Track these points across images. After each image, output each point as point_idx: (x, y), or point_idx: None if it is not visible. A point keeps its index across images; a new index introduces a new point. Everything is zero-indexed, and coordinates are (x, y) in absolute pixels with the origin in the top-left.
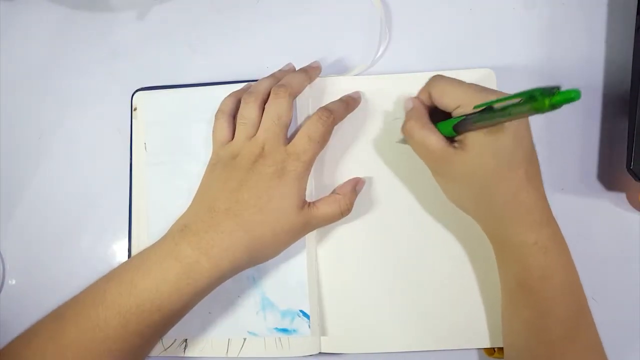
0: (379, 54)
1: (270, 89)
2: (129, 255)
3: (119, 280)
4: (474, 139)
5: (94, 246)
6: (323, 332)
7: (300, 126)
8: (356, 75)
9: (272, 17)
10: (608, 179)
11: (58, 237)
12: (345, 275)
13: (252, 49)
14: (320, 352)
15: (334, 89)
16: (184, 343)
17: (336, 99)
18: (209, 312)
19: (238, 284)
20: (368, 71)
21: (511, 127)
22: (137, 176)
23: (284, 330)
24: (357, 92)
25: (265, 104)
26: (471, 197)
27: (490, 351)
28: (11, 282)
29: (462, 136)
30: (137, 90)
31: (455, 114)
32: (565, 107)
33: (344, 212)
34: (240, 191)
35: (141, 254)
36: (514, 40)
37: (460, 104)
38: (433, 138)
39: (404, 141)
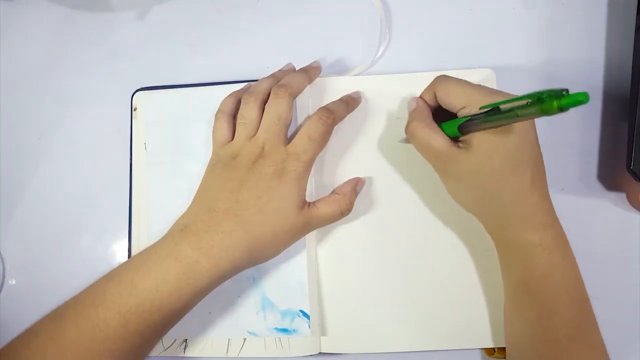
0: (379, 54)
1: (270, 89)
2: (129, 255)
3: (119, 280)
4: (480, 139)
5: (94, 246)
6: (323, 332)
7: (300, 126)
8: (356, 75)
9: (272, 17)
10: (608, 179)
11: (58, 237)
12: (345, 275)
13: (252, 49)
14: (320, 352)
15: (334, 89)
16: (184, 343)
17: (336, 99)
18: (209, 312)
19: (238, 284)
20: (368, 71)
21: (517, 128)
22: (137, 176)
23: (284, 330)
24: (357, 92)
25: (265, 104)
26: (475, 197)
27: (490, 351)
28: (11, 282)
29: (467, 136)
30: (137, 90)
31: (460, 114)
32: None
33: (344, 212)
34: (240, 191)
35: (141, 254)
36: (514, 40)
37: (466, 104)
38: (437, 138)
39: (406, 141)
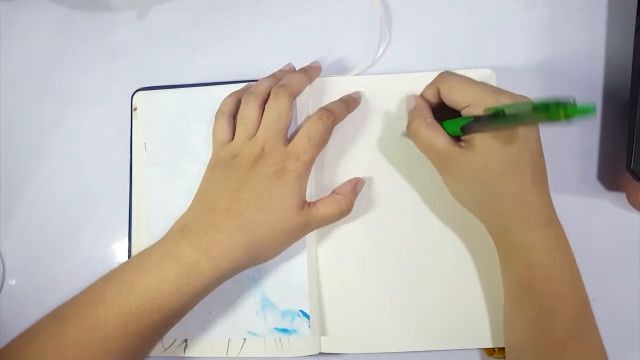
0: (379, 54)
1: (270, 89)
2: (129, 255)
3: (119, 280)
4: (481, 139)
5: (94, 246)
6: (323, 332)
7: (300, 126)
8: (356, 75)
9: (272, 17)
10: (608, 179)
11: (58, 237)
12: (345, 275)
13: (252, 49)
14: (320, 352)
15: (334, 89)
16: (184, 343)
17: (336, 99)
18: (209, 312)
19: (238, 284)
20: (368, 71)
21: (520, 129)
22: (137, 176)
23: (284, 330)
24: (357, 92)
25: (265, 104)
26: (476, 197)
27: (490, 351)
28: (11, 282)
29: (470, 136)
30: (137, 90)
31: (464, 112)
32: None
33: (344, 212)
34: (240, 191)
35: (141, 254)
36: (514, 40)
37: (470, 103)
38: (439, 138)
39: (407, 135)
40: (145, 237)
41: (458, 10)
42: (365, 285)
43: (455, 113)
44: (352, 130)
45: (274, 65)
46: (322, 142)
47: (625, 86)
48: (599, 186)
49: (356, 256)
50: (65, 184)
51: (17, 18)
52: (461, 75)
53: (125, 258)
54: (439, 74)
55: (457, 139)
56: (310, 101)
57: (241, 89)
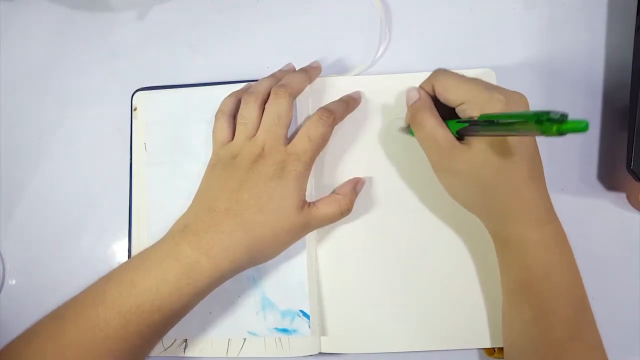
0: (379, 54)
1: (270, 89)
2: (129, 255)
3: (119, 281)
4: (479, 138)
5: (94, 246)
6: (323, 332)
7: (300, 126)
8: (356, 75)
9: (272, 17)
10: (608, 179)
11: (58, 237)
12: (345, 275)
13: (252, 49)
14: (320, 352)
15: (334, 89)
16: (184, 343)
17: (336, 99)
18: (209, 312)
19: (238, 284)
20: (368, 71)
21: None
22: (137, 176)
23: (284, 330)
24: (357, 92)
25: (265, 104)
26: (474, 194)
27: (490, 351)
28: (11, 282)
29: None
30: (137, 90)
31: (458, 110)
32: (565, 108)
33: (344, 212)
34: (240, 191)
35: (141, 254)
36: (514, 40)
37: (464, 101)
38: (443, 131)
39: (405, 130)
40: (145, 237)
41: (458, 10)
42: (365, 285)
43: (448, 110)
44: (352, 130)
45: (274, 65)
46: (322, 142)
47: (625, 86)
48: (599, 186)
49: (356, 256)
50: (65, 184)
51: (17, 18)
52: (455, 73)
53: (125, 258)
54: (434, 71)
55: None
56: (310, 101)
57: (241, 89)
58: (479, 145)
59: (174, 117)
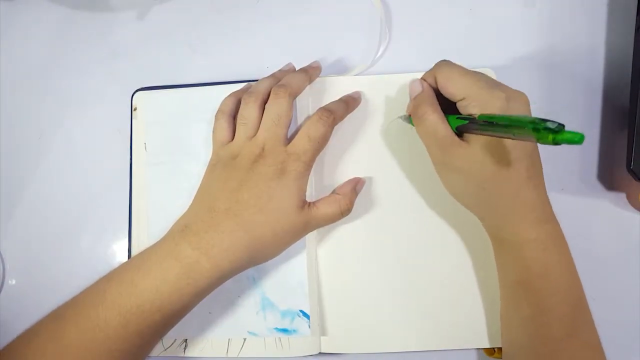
0: (379, 54)
1: (270, 89)
2: (129, 255)
3: (119, 281)
4: (478, 136)
5: (94, 246)
6: (323, 332)
7: (301, 126)
8: (356, 75)
9: (272, 17)
10: (608, 179)
11: (58, 237)
12: (345, 275)
13: (252, 49)
14: (320, 352)
15: (334, 89)
16: (184, 343)
17: (336, 99)
18: (209, 312)
19: (238, 284)
20: (368, 71)
21: None
22: (137, 176)
23: (284, 330)
24: (357, 92)
25: (265, 104)
26: (472, 191)
27: (490, 351)
28: (11, 282)
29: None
30: (137, 90)
31: (459, 105)
32: (566, 107)
33: (344, 212)
34: (240, 191)
35: (141, 254)
36: (514, 39)
37: (465, 96)
38: (445, 127)
39: (405, 119)
40: (145, 237)
41: (458, 10)
42: (365, 285)
43: (450, 103)
44: (352, 130)
45: (274, 65)
46: (322, 142)
47: (625, 86)
48: (599, 186)
49: (356, 256)
50: (65, 184)
51: (17, 18)
52: (459, 66)
53: (125, 258)
54: (437, 63)
55: None
56: (310, 101)
57: (241, 89)
58: (478, 143)
59: (174, 117)
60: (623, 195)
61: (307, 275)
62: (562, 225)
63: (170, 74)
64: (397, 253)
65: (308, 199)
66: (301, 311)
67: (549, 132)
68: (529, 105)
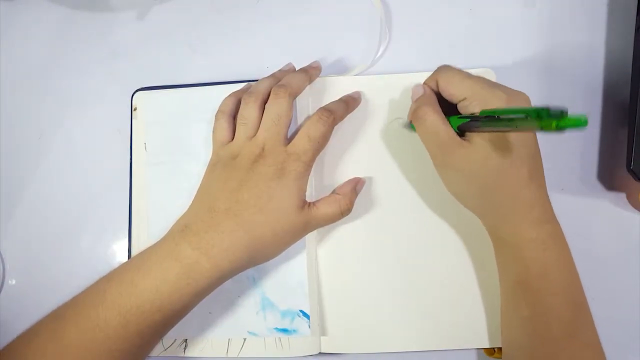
0: (379, 54)
1: (270, 89)
2: (129, 255)
3: (120, 281)
4: (480, 135)
5: (94, 246)
6: (323, 332)
7: (300, 126)
8: (356, 75)
9: (272, 17)
10: (608, 179)
11: (58, 237)
12: (345, 275)
13: (252, 49)
14: (320, 352)
15: (334, 89)
16: (184, 343)
17: (336, 99)
18: (209, 312)
19: (238, 284)
20: (368, 71)
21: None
22: (137, 176)
23: (284, 330)
24: (357, 92)
25: (265, 104)
26: (473, 191)
27: (490, 351)
28: (11, 282)
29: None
30: (137, 90)
31: (460, 106)
32: (566, 107)
33: (344, 212)
34: (240, 191)
35: (142, 254)
36: (514, 40)
37: (466, 97)
38: (445, 126)
39: (406, 125)
40: (145, 237)
41: (458, 10)
42: (365, 285)
43: (452, 107)
44: (352, 130)
45: (274, 65)
46: (322, 142)
47: (625, 86)
48: (599, 186)
49: (356, 256)
50: (65, 184)
51: (17, 18)
52: (459, 69)
53: (125, 258)
54: (438, 67)
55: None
56: (310, 101)
57: (241, 89)
58: (480, 142)
59: (174, 117)
60: (623, 195)
61: (307, 275)
62: (562, 225)
63: (170, 74)
64: (397, 253)
65: (308, 199)
66: (301, 311)
67: (552, 118)
68: (530, 104)
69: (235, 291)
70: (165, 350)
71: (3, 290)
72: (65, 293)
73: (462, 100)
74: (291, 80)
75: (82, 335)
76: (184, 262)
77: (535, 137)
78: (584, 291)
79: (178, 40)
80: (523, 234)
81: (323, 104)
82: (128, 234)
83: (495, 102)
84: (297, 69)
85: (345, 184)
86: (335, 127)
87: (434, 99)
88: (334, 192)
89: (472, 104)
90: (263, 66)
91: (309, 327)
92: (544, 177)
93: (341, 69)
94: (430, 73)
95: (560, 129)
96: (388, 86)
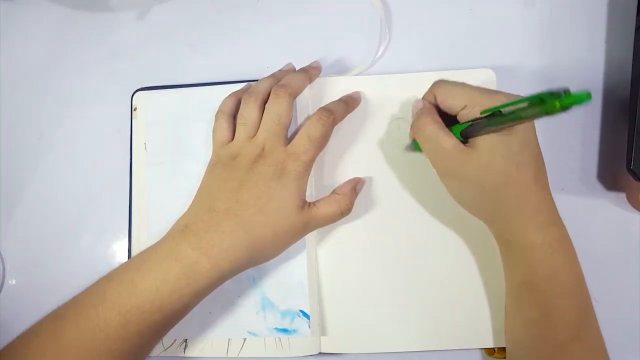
0: (379, 54)
1: (270, 89)
2: (129, 255)
3: (120, 281)
4: (483, 141)
5: (94, 246)
6: (323, 332)
7: (300, 126)
8: (356, 75)
9: (272, 17)
10: (608, 179)
11: (58, 237)
12: (345, 275)
13: (252, 49)
14: (320, 352)
15: (334, 89)
16: (184, 343)
17: (336, 99)
18: (209, 312)
19: (238, 284)
20: (368, 71)
21: (518, 130)
22: (137, 176)
23: (284, 330)
24: (357, 92)
25: (265, 104)
26: (479, 198)
27: (490, 351)
28: (11, 282)
29: (472, 138)
30: (137, 90)
31: (460, 115)
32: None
33: (344, 212)
34: (240, 191)
35: (142, 254)
36: (514, 40)
37: (465, 104)
38: (447, 136)
39: (411, 148)
40: (145, 237)
41: (458, 10)
42: (365, 285)
43: (452, 121)
44: (352, 130)
45: (274, 65)
46: (322, 142)
47: (625, 86)
48: (599, 186)
49: (356, 256)
50: (65, 184)
51: (17, 18)
52: (454, 81)
53: (125, 258)
54: (433, 83)
55: None
56: (310, 101)
57: (241, 89)
58: (483, 147)
59: (174, 117)
60: (623, 195)
61: (307, 275)
62: (564, 225)
63: (170, 74)
64: (397, 253)
65: (308, 199)
66: (301, 311)
67: (554, 99)
68: None
69: (235, 291)
70: (165, 350)
71: (3, 290)
72: (65, 293)
73: (462, 108)
74: (291, 80)
75: (82, 335)
76: (184, 262)
77: (537, 140)
78: (589, 294)
79: (178, 40)
80: (530, 237)
81: (323, 104)
82: (128, 234)
83: (496, 103)
84: (297, 69)
85: (345, 184)
86: (335, 127)
87: (433, 110)
88: (334, 192)
89: (472, 111)
90: (263, 66)
91: (309, 327)
92: (547, 179)
93: (341, 69)
94: (430, 73)
95: (564, 108)
96: (388, 86)
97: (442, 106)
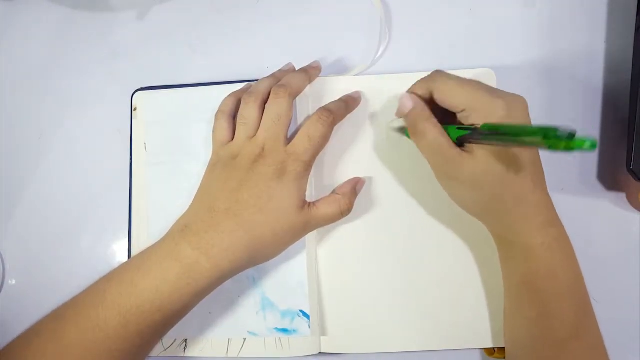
0: (379, 54)
1: (270, 89)
2: (129, 256)
3: (120, 281)
4: (481, 145)
5: (94, 246)
6: (323, 332)
7: (300, 126)
8: (356, 75)
9: (272, 17)
10: (608, 179)
11: (58, 237)
12: (345, 275)
13: (252, 49)
14: (320, 352)
15: (334, 89)
16: (184, 343)
17: (336, 99)
18: (209, 312)
19: (238, 284)
20: (368, 71)
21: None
22: (137, 176)
23: (284, 330)
24: (357, 92)
25: (265, 104)
26: (478, 199)
27: (490, 351)
28: (11, 282)
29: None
30: (137, 90)
31: (460, 117)
32: (565, 107)
33: (344, 212)
34: (240, 191)
35: (142, 254)
36: (514, 40)
37: (466, 108)
38: (445, 141)
39: (399, 130)
40: (145, 237)
41: (458, 10)
42: (365, 285)
43: (444, 113)
44: (352, 130)
45: (274, 65)
46: (322, 142)
47: (625, 86)
48: (599, 186)
49: (356, 256)
50: (65, 184)
51: (17, 18)
52: (455, 76)
53: (125, 258)
54: (432, 74)
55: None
56: (310, 101)
57: (241, 89)
58: (481, 152)
59: (174, 117)
60: (623, 195)
61: (307, 275)
62: (563, 225)
63: (170, 74)
64: (397, 253)
65: (308, 199)
66: (301, 311)
67: (561, 140)
68: (527, 110)
69: (235, 291)
70: (165, 350)
71: (3, 290)
72: (65, 293)
73: (462, 111)
74: (291, 80)
75: (82, 335)
76: (184, 262)
77: None
78: (588, 293)
79: (178, 40)
80: (529, 238)
81: (323, 104)
82: (128, 234)
83: (497, 112)
84: (297, 69)
85: (345, 184)
86: (335, 127)
87: (428, 111)
88: (334, 192)
89: (472, 115)
90: (263, 66)
91: (309, 327)
92: (545, 180)
93: (341, 69)
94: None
95: (569, 150)
96: (388, 86)
97: (439, 103)
